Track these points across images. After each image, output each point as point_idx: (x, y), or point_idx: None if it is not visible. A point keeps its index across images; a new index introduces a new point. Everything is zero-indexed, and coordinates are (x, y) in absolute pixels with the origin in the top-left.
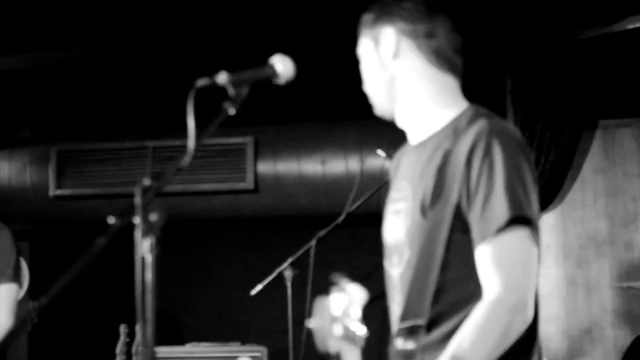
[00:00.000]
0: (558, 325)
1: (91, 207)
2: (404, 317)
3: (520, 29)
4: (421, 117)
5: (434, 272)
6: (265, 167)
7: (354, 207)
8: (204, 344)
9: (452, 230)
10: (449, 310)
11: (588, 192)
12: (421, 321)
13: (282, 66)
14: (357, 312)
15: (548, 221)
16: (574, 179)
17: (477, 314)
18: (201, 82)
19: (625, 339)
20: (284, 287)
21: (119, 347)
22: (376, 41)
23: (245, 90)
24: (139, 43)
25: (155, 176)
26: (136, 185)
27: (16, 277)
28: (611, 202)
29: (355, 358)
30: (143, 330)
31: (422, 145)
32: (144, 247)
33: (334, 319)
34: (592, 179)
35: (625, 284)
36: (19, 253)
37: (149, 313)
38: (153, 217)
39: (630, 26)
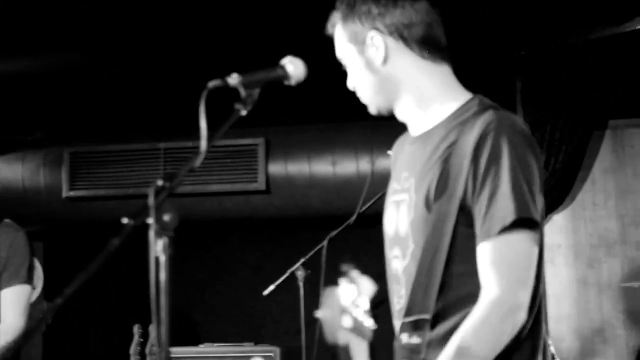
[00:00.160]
0: (570, 325)
1: (104, 208)
2: (408, 312)
3: (530, 29)
4: (421, 109)
5: (439, 267)
6: (277, 168)
7: (365, 207)
8: (217, 344)
9: (457, 224)
10: (454, 305)
11: (598, 192)
12: (426, 316)
13: (293, 67)
14: (365, 304)
15: (559, 221)
16: (584, 179)
17: (474, 316)
18: (213, 83)
19: (637, 338)
20: (296, 288)
21: (133, 348)
22: (359, 46)
23: (256, 92)
24: (151, 45)
25: (168, 177)
26: (149, 186)
27: (29, 279)
28: (621, 202)
29: (363, 351)
30: (158, 331)
31: (425, 136)
32: (158, 248)
33: (343, 310)
34: (603, 179)
35: (636, 284)
36: (33, 254)
37: (164, 313)
38: (166, 217)
39: None
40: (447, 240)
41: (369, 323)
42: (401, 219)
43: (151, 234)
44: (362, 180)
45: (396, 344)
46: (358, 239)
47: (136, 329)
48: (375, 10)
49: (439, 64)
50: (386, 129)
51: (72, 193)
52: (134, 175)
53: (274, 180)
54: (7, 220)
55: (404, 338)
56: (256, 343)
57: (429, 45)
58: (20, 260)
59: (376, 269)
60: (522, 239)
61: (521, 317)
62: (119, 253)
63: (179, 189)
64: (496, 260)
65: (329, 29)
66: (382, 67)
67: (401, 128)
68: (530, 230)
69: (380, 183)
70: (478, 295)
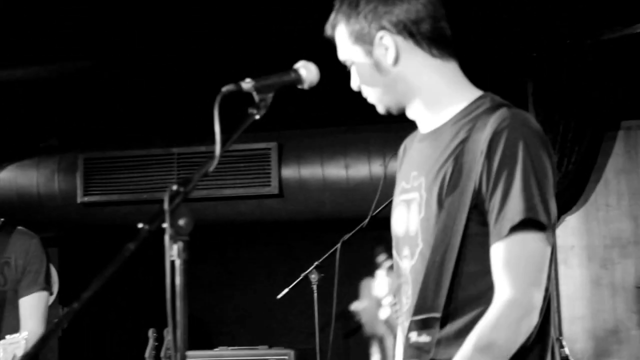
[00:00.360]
0: (583, 326)
1: (118, 213)
2: (417, 310)
3: (541, 31)
4: (431, 108)
5: (449, 265)
6: (290, 171)
7: (378, 210)
8: (232, 347)
9: (468, 221)
10: (465, 305)
11: (611, 193)
12: (436, 314)
13: (307, 71)
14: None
15: (572, 222)
16: (597, 180)
17: (489, 316)
18: (227, 88)
19: None
20: (310, 291)
21: (148, 352)
22: (367, 46)
23: (270, 96)
24: (164, 51)
25: (183, 181)
26: (163, 191)
27: (47, 285)
28: (635, 203)
29: (391, 344)
30: (173, 335)
31: (434, 133)
32: (173, 252)
33: (379, 302)
34: (615, 180)
35: None
36: (48, 260)
37: (179, 317)
38: (182, 221)
39: None
40: (458, 238)
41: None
42: (412, 218)
43: (167, 238)
44: (375, 183)
45: (404, 343)
46: (371, 242)
47: (151, 333)
48: (381, 8)
49: (447, 60)
50: (399, 132)
51: (86, 199)
52: (148, 181)
53: (287, 184)
54: (20, 228)
55: (413, 336)
56: (270, 346)
57: (437, 41)
58: (37, 267)
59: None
60: (534, 239)
61: (535, 318)
62: (135, 257)
63: (193, 194)
64: (510, 261)
65: (328, 30)
66: (392, 67)
67: (414, 130)
68: (541, 231)
69: (393, 186)
70: (488, 295)
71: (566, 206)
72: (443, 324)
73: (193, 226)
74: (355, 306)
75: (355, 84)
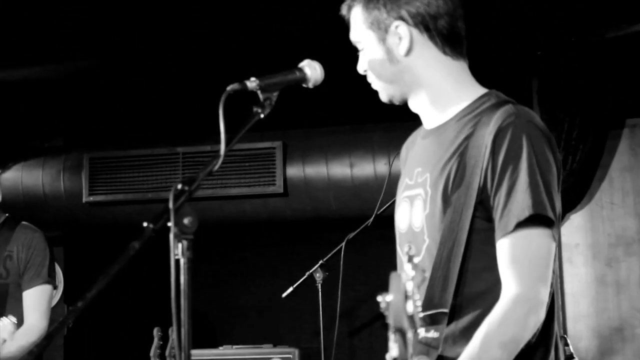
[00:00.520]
0: (588, 324)
1: (123, 212)
2: (425, 306)
3: (546, 28)
4: (436, 104)
5: (457, 261)
6: (294, 170)
7: (382, 209)
8: (236, 346)
9: (474, 217)
10: (472, 300)
11: (616, 190)
12: (444, 309)
13: (311, 70)
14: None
15: (577, 221)
16: (601, 178)
17: (496, 312)
18: (232, 87)
19: None
20: (315, 289)
21: (153, 350)
22: (381, 33)
23: (275, 95)
24: (169, 50)
25: (187, 180)
26: (168, 190)
27: (51, 279)
28: (639, 201)
29: (411, 338)
30: (178, 333)
31: (438, 129)
32: (178, 251)
33: (407, 295)
34: (620, 178)
35: None
36: (52, 255)
37: (184, 316)
38: (186, 220)
39: None
40: (464, 234)
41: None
42: (415, 214)
43: (171, 237)
44: (380, 182)
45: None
46: (376, 241)
47: (156, 332)
48: (415, 2)
49: (457, 59)
50: (404, 130)
51: (92, 198)
52: (153, 180)
53: (291, 183)
54: (24, 223)
55: (421, 332)
56: (275, 345)
57: (451, 40)
58: (40, 260)
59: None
60: (540, 235)
61: (542, 313)
62: (140, 256)
63: (198, 193)
64: (516, 257)
65: (344, 10)
66: (403, 57)
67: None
68: (547, 227)
69: (397, 185)
70: (494, 291)
71: (571, 204)
72: (450, 320)
73: (197, 225)
74: (382, 298)
75: (361, 67)
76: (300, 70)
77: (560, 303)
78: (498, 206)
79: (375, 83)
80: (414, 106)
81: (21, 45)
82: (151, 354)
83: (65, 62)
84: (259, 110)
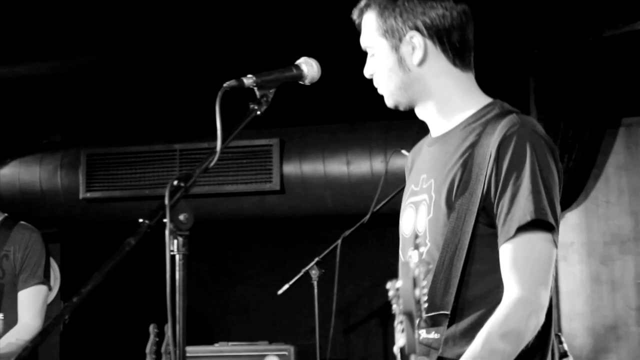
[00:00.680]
0: (583, 322)
1: (120, 209)
2: (426, 308)
3: (543, 27)
4: (443, 114)
5: (458, 265)
6: (291, 168)
7: (379, 206)
8: (232, 343)
9: (477, 223)
10: (472, 303)
11: (612, 189)
12: (445, 311)
13: (308, 67)
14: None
15: (572, 219)
16: (597, 177)
17: (498, 314)
18: (228, 83)
19: None
20: (311, 287)
21: (149, 347)
22: (395, 41)
23: (271, 92)
24: (166, 47)
25: (183, 177)
26: (165, 186)
27: (46, 280)
28: (635, 199)
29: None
30: (173, 330)
31: (444, 137)
32: (173, 247)
33: (416, 281)
34: (616, 177)
35: None
36: (48, 255)
37: (179, 312)
38: (182, 217)
39: None
40: (467, 238)
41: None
42: (420, 219)
43: (167, 233)
44: (377, 179)
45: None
46: (372, 238)
47: (152, 329)
48: (419, 7)
49: (465, 71)
50: (400, 128)
51: (89, 194)
52: (150, 177)
53: (288, 180)
54: (22, 222)
55: (422, 334)
56: (271, 342)
57: (462, 53)
58: (36, 261)
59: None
60: (541, 240)
61: (542, 316)
62: (136, 252)
63: (195, 190)
64: (518, 261)
65: (356, 13)
66: (415, 67)
67: (415, 128)
68: (548, 232)
69: (394, 182)
70: (495, 294)
71: (566, 202)
72: (451, 322)
73: (193, 221)
74: (391, 285)
75: (368, 72)
76: (297, 67)
77: (555, 301)
78: (501, 212)
79: (382, 88)
80: (421, 114)
81: (19, 42)
82: (147, 350)
83: (63, 58)
84: (256, 107)
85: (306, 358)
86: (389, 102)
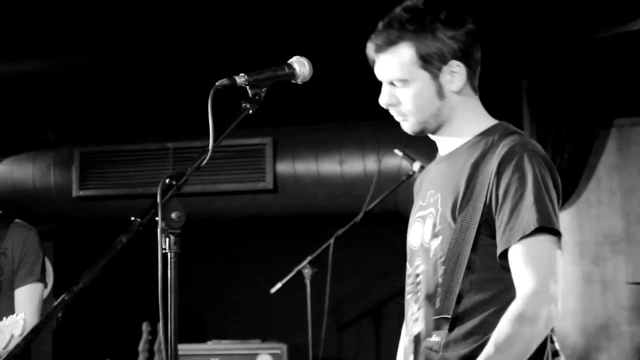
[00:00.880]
0: (574, 322)
1: (114, 207)
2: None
3: (536, 29)
4: (456, 132)
5: (459, 272)
6: (284, 167)
7: (371, 206)
8: (224, 341)
9: (478, 234)
10: (472, 309)
11: (603, 190)
12: (447, 315)
13: (300, 66)
14: None
15: (564, 219)
16: (589, 177)
17: (515, 308)
18: (221, 82)
19: None
20: (303, 285)
21: (142, 345)
22: (435, 70)
23: (264, 91)
24: (159, 46)
25: (175, 175)
26: (157, 185)
27: (43, 277)
28: (626, 200)
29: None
30: (165, 328)
31: (451, 155)
32: (165, 245)
33: (436, 268)
34: (608, 177)
35: None
36: (44, 253)
37: (171, 310)
38: (174, 215)
39: None
40: (468, 249)
41: None
42: (426, 231)
43: (159, 231)
44: (369, 179)
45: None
46: (365, 238)
47: (145, 327)
48: (448, 32)
49: (477, 93)
50: (393, 128)
51: (82, 192)
52: (144, 175)
53: (281, 179)
54: (18, 220)
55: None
56: (263, 340)
57: (476, 74)
58: (34, 259)
59: (382, 267)
60: (547, 240)
61: (554, 307)
62: (129, 250)
63: (188, 188)
64: (527, 258)
65: (380, 46)
66: (451, 94)
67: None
68: (553, 236)
69: (386, 182)
70: (498, 300)
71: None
72: (452, 326)
73: (185, 219)
74: (412, 270)
75: (391, 101)
76: (290, 66)
77: None
78: (502, 222)
79: (411, 117)
80: (435, 136)
81: (12, 40)
82: (140, 348)
83: (57, 56)
84: (248, 106)
85: (298, 356)
86: (415, 129)
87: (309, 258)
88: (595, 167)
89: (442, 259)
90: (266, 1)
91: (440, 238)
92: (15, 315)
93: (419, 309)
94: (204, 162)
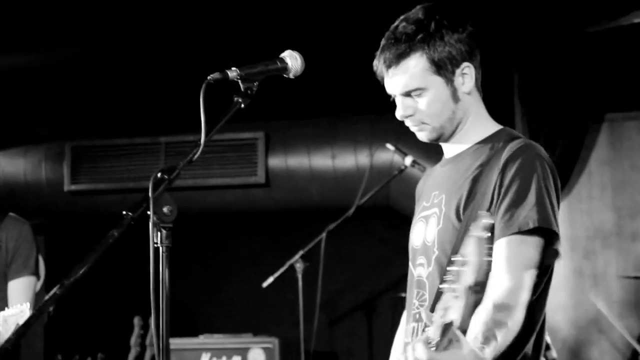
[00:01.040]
0: (565, 316)
1: (105, 201)
2: (431, 309)
3: (528, 24)
4: (464, 136)
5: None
6: (276, 161)
7: (363, 200)
8: (216, 335)
9: None
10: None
11: (595, 184)
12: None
13: (292, 61)
14: None
15: None
16: (580, 172)
17: (488, 298)
18: (212, 76)
19: (631, 328)
20: (295, 279)
21: (133, 339)
22: (448, 75)
23: (255, 85)
24: (151, 40)
25: (167, 169)
26: (149, 179)
27: (36, 271)
28: (618, 194)
29: None
30: (156, 320)
31: (456, 158)
32: (157, 239)
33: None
34: (599, 172)
35: (631, 275)
36: (37, 248)
37: (163, 305)
38: (165, 209)
39: (637, 20)
40: None
41: None
42: (429, 230)
43: (150, 225)
44: (361, 173)
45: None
46: (357, 232)
47: (137, 321)
48: (455, 35)
49: (480, 93)
50: (385, 122)
51: (73, 187)
52: (135, 169)
53: (273, 173)
54: (12, 214)
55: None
56: (255, 334)
57: (480, 83)
58: (27, 252)
59: (374, 261)
60: (536, 244)
61: (527, 293)
62: (121, 244)
63: (180, 183)
64: (508, 257)
65: (390, 61)
66: (465, 96)
67: (400, 123)
68: (545, 239)
69: (378, 177)
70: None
71: None
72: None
73: (177, 214)
74: (460, 258)
75: (405, 112)
76: (282, 60)
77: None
78: (501, 216)
79: (430, 125)
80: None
81: (4, 34)
82: (132, 342)
83: (49, 51)
84: (240, 100)
85: (290, 350)
86: (432, 136)
87: (301, 252)
88: (586, 161)
89: (443, 256)
90: None
91: (434, 255)
92: (20, 304)
93: (456, 297)
94: (196, 157)
